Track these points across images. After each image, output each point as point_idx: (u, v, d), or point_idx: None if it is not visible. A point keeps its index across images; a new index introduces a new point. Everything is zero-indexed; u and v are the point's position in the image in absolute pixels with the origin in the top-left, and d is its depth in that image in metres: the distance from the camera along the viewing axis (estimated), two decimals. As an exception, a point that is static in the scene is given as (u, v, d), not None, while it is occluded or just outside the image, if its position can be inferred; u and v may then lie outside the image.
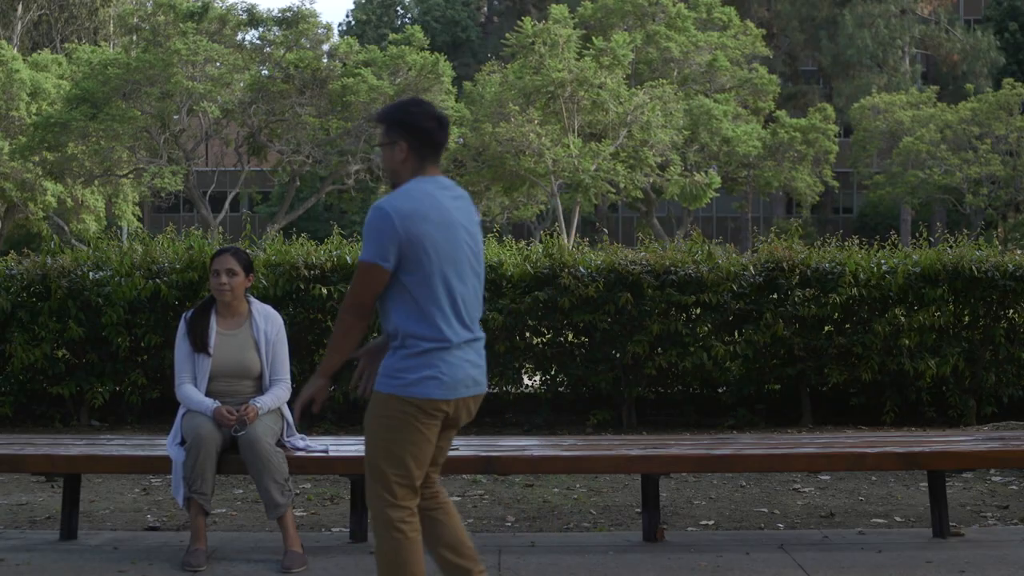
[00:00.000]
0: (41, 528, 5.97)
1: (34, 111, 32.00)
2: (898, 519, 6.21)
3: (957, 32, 46.96)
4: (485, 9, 58.18)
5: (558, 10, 32.18)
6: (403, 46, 33.24)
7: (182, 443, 5.15)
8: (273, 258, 9.08)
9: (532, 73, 31.17)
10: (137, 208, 37.64)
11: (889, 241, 11.46)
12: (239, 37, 33.99)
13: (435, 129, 3.88)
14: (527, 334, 9.32)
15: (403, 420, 3.79)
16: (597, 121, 31.50)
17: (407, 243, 3.73)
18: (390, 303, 3.80)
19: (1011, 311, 9.50)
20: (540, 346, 9.37)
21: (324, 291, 8.92)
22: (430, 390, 3.75)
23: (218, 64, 32.25)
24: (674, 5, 36.10)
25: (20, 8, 44.04)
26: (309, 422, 8.87)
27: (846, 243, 10.56)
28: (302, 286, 9.04)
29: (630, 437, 7.23)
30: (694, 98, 33.93)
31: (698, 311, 9.22)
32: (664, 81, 33.00)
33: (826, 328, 9.35)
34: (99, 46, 38.81)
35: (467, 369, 3.82)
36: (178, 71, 30.68)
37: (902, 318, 9.18)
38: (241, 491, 6.98)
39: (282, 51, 33.06)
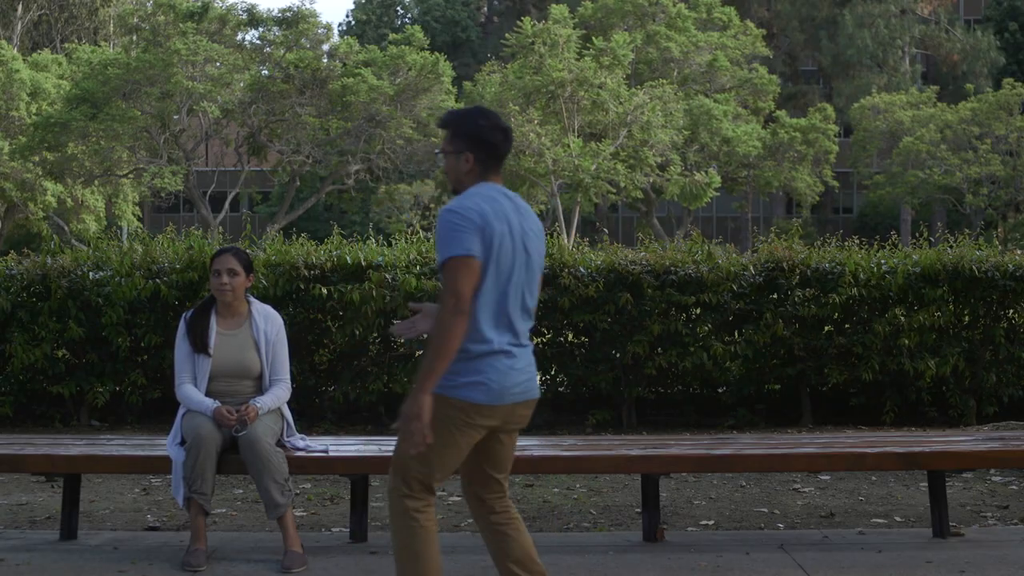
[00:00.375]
0: (41, 528, 5.97)
1: (34, 111, 32.01)
2: (898, 519, 6.21)
3: (957, 32, 46.96)
4: (485, 9, 58.19)
5: (558, 10, 32.18)
6: (403, 46, 33.25)
7: (182, 443, 5.14)
8: (273, 258, 9.08)
9: (532, 73, 31.18)
10: (137, 208, 37.65)
11: (889, 241, 11.46)
12: (239, 37, 34.01)
13: (501, 142, 3.91)
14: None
15: (443, 421, 3.74)
16: (597, 121, 31.51)
17: (485, 241, 3.73)
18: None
19: (1011, 311, 9.50)
20: (540, 346, 9.37)
21: (324, 291, 8.92)
22: (476, 395, 3.75)
23: (218, 64, 32.26)
24: (674, 5, 36.11)
25: (20, 8, 44.04)
26: (309, 422, 8.87)
27: (846, 243, 10.56)
28: (302, 286, 9.03)
29: (630, 437, 7.23)
30: (694, 98, 33.94)
31: (698, 311, 9.22)
32: (664, 81, 33.01)
33: (826, 328, 9.35)
34: (99, 46, 38.82)
35: (515, 376, 3.81)
36: (178, 71, 30.69)
37: (902, 318, 9.18)
38: (241, 491, 6.98)
39: (282, 51, 33.07)
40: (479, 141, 3.87)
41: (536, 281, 3.94)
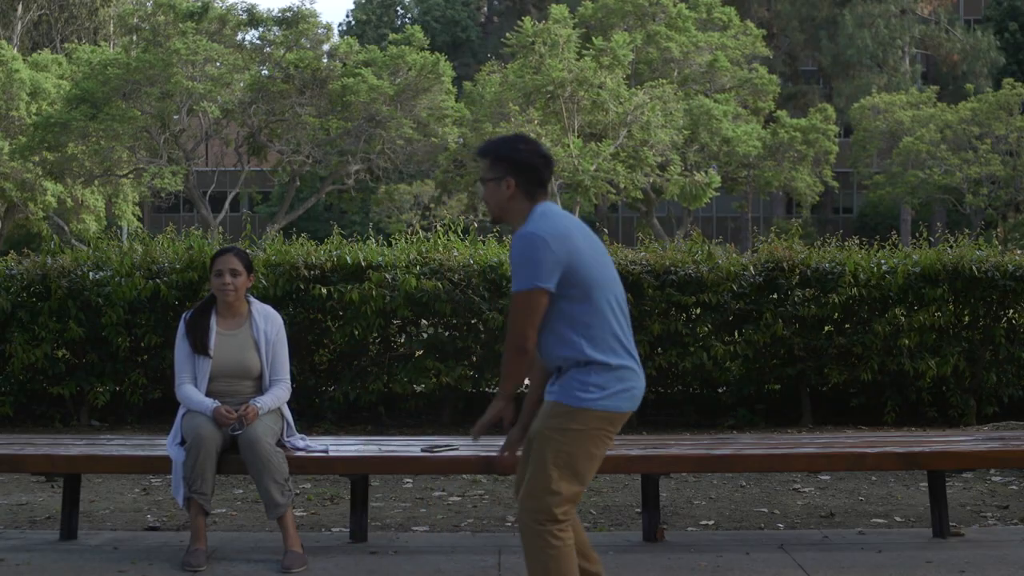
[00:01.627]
0: (41, 528, 5.97)
1: (34, 111, 32.00)
2: (898, 519, 6.21)
3: (957, 32, 46.96)
4: (485, 9, 58.18)
5: (558, 10, 32.18)
6: (403, 46, 33.24)
7: (182, 443, 5.15)
8: (273, 258, 9.08)
9: (532, 73, 31.17)
10: (137, 208, 37.64)
11: (889, 241, 11.46)
12: (239, 37, 33.99)
13: (542, 167, 3.92)
14: (527, 334, 9.30)
15: (594, 434, 3.81)
16: (597, 121, 31.50)
17: (567, 264, 3.74)
18: (554, 326, 3.79)
19: (1011, 311, 9.50)
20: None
21: (324, 291, 8.92)
22: (622, 403, 3.82)
23: (218, 64, 32.26)
24: (674, 5, 36.10)
25: (20, 8, 44.05)
26: (309, 422, 8.88)
27: (846, 243, 10.56)
28: (302, 286, 9.03)
29: (630, 437, 7.22)
30: (694, 98, 33.93)
31: (698, 311, 9.22)
32: (664, 81, 33.00)
33: (826, 328, 9.35)
34: (99, 46, 38.81)
35: (642, 380, 3.92)
36: (178, 71, 30.68)
37: (902, 318, 9.18)
38: (241, 491, 6.98)
39: (282, 51, 33.06)
40: (520, 165, 3.89)
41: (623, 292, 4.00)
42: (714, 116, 33.25)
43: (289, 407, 5.46)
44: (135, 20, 34.70)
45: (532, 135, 30.01)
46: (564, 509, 3.78)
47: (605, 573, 4.06)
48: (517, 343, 3.74)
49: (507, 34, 33.89)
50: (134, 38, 34.20)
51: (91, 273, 9.08)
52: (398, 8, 57.36)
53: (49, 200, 32.20)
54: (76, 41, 42.00)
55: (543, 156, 3.94)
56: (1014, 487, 7.06)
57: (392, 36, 36.20)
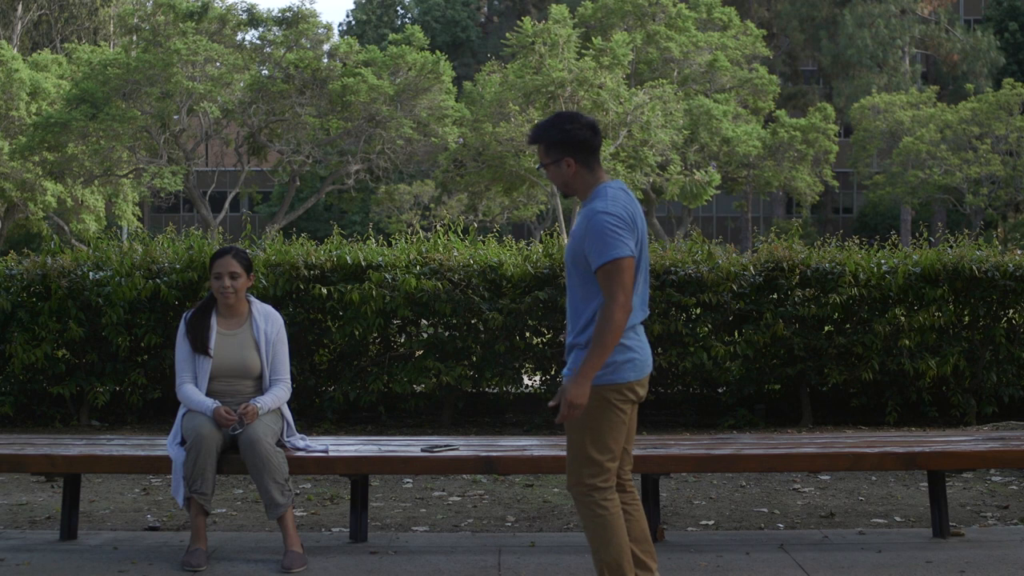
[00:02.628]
0: (41, 528, 5.97)
1: (34, 111, 32.01)
2: (898, 519, 6.21)
3: (957, 32, 46.96)
4: (485, 9, 58.18)
5: (558, 10, 32.18)
6: (403, 46, 33.24)
7: (182, 443, 5.14)
8: (273, 258, 9.08)
9: (532, 73, 31.18)
10: (137, 208, 37.66)
11: (889, 241, 11.45)
12: (239, 37, 34.00)
13: (592, 136, 4.14)
14: (527, 334, 9.31)
15: (607, 406, 4.06)
16: (597, 121, 31.48)
17: (637, 238, 4.03)
18: (591, 303, 4.04)
19: (1011, 311, 9.49)
20: (540, 346, 9.37)
21: (324, 291, 8.92)
22: (627, 374, 4.06)
23: (218, 64, 32.26)
24: (674, 5, 36.11)
25: (20, 8, 44.05)
26: (309, 422, 8.88)
27: (846, 243, 10.56)
28: (302, 286, 9.04)
29: (630, 437, 7.22)
30: (694, 98, 33.94)
31: (698, 311, 9.22)
32: (664, 81, 33.01)
33: (826, 328, 9.35)
34: (99, 46, 38.83)
35: (647, 348, 4.17)
36: (178, 71, 30.69)
37: (902, 318, 9.18)
38: (241, 491, 6.98)
39: (282, 51, 33.07)
40: (574, 144, 4.11)
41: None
42: (714, 116, 33.26)
43: (289, 407, 5.46)
44: (135, 20, 34.70)
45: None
46: (601, 478, 4.07)
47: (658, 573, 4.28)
48: (624, 304, 3.93)
49: (507, 34, 33.89)
50: (134, 38, 34.21)
51: (91, 273, 9.08)
52: (398, 8, 57.37)
53: (49, 200, 32.20)
54: (76, 41, 42.03)
55: (590, 126, 4.15)
56: (1014, 487, 7.06)
57: (392, 36, 36.20)
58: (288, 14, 33.39)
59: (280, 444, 5.28)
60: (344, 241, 9.69)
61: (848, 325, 9.33)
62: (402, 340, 9.40)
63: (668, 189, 32.94)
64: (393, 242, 9.83)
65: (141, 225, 36.28)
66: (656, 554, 4.30)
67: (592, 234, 3.97)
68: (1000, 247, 10.21)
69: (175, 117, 32.08)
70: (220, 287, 5.28)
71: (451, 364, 9.06)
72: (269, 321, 5.38)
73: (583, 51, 32.05)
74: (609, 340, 3.94)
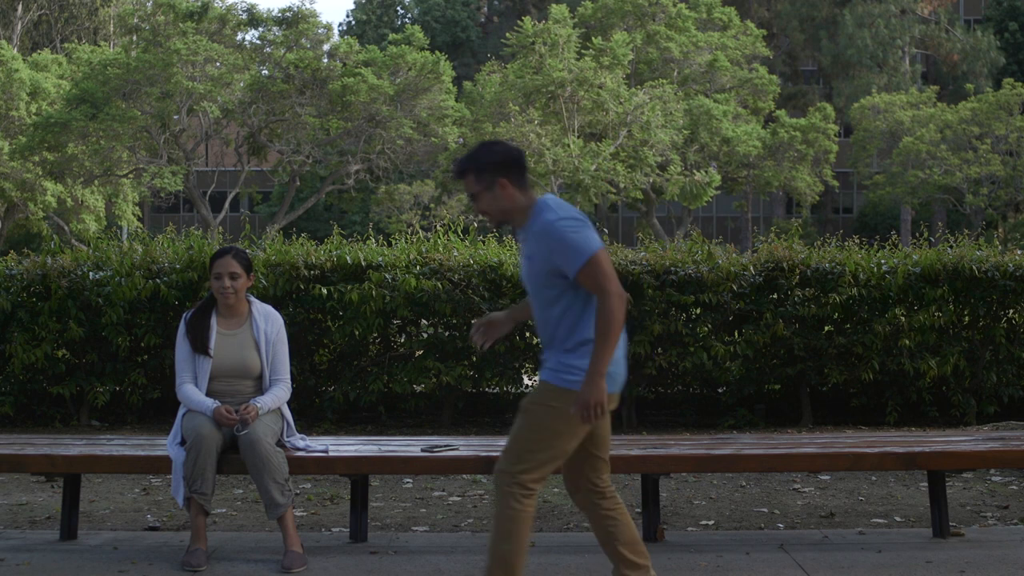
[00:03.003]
0: (41, 528, 5.97)
1: (34, 111, 32.01)
2: (898, 519, 6.21)
3: (957, 32, 46.96)
4: (485, 9, 58.18)
5: (558, 10, 32.19)
6: (403, 46, 33.25)
7: (182, 443, 5.14)
8: (273, 258, 9.08)
9: (532, 73, 31.19)
10: (137, 208, 37.65)
11: (889, 241, 11.46)
12: (239, 37, 34.01)
13: (521, 157, 4.12)
14: (527, 334, 9.31)
15: (572, 414, 3.97)
16: (597, 121, 31.51)
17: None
18: (571, 311, 4.02)
19: (1011, 311, 9.50)
20: (540, 346, 9.36)
21: (324, 291, 8.92)
22: (609, 386, 4.00)
23: (218, 64, 32.27)
24: (674, 5, 36.11)
25: (20, 8, 44.06)
26: (309, 422, 8.88)
27: (846, 243, 10.56)
28: (302, 286, 9.03)
29: (630, 437, 7.23)
30: (694, 98, 33.94)
31: (698, 311, 9.22)
32: (664, 81, 33.01)
33: (826, 328, 9.35)
34: (99, 46, 38.83)
35: (623, 363, 4.14)
36: (178, 71, 30.69)
37: (902, 318, 9.18)
38: (241, 491, 6.98)
39: (282, 51, 33.08)
40: (506, 164, 4.06)
41: None
42: (714, 116, 33.26)
43: (289, 407, 5.45)
44: (135, 20, 34.70)
45: (532, 135, 30.11)
46: (533, 477, 4.02)
47: (653, 570, 4.25)
48: (618, 290, 3.92)
49: (507, 34, 33.90)
50: (134, 38, 34.21)
51: (91, 273, 9.08)
52: (398, 8, 57.37)
53: (49, 200, 32.20)
54: (76, 41, 42.03)
55: (517, 150, 4.14)
56: (1014, 487, 7.06)
57: (392, 36, 36.20)
58: (288, 14, 33.39)
59: (280, 444, 5.28)
60: (344, 241, 9.69)
61: (848, 325, 9.33)
62: (402, 340, 9.40)
63: (668, 189, 32.93)
64: (393, 242, 9.83)
65: (141, 225, 36.27)
66: (648, 553, 4.27)
67: (557, 243, 3.93)
68: (1000, 247, 10.21)
69: (175, 117, 32.08)
70: (220, 287, 5.28)
71: (451, 364, 9.06)
72: (269, 321, 5.38)
73: (583, 51, 32.06)
74: (614, 332, 3.91)
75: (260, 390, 5.33)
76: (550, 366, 4.06)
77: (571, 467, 4.25)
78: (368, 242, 9.84)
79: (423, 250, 9.31)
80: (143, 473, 6.46)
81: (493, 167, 4.03)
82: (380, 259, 9.14)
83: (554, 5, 33.06)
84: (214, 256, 5.34)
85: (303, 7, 33.38)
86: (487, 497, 6.81)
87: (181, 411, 5.28)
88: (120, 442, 5.82)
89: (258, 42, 34.21)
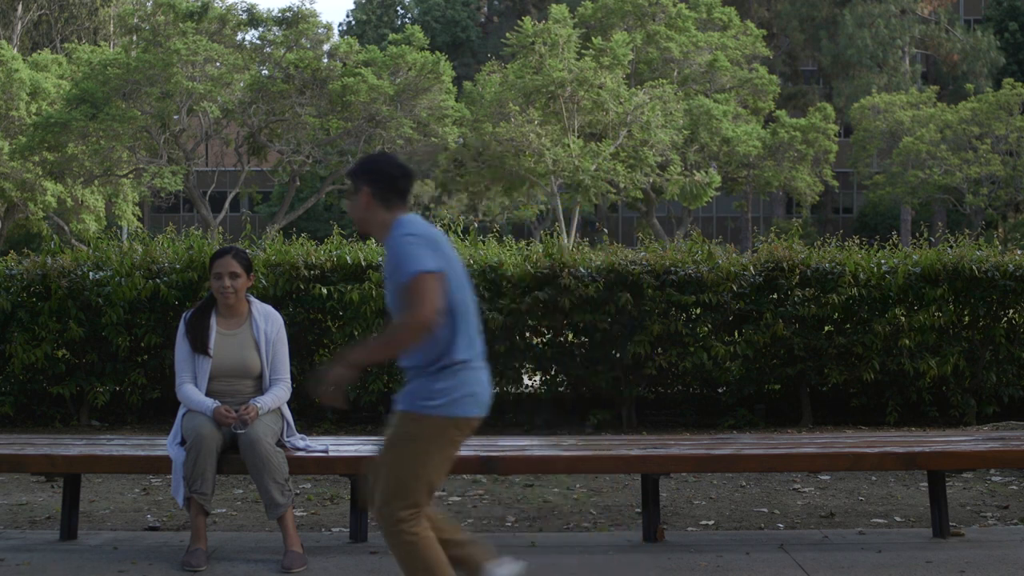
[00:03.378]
0: (41, 528, 5.97)
1: (34, 111, 32.00)
2: (898, 519, 6.21)
3: (957, 32, 46.96)
4: (485, 9, 58.18)
5: (558, 10, 32.19)
6: (403, 46, 33.25)
7: (182, 443, 5.14)
8: (273, 258, 9.08)
9: (532, 73, 31.18)
10: (137, 208, 37.65)
11: (889, 241, 11.46)
12: (239, 37, 34.00)
13: (398, 176, 3.98)
14: (527, 334, 9.32)
15: (440, 439, 3.88)
16: (597, 121, 31.51)
17: (443, 258, 3.88)
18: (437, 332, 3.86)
19: (1011, 311, 9.49)
20: (540, 346, 9.37)
21: (324, 291, 8.92)
22: (469, 408, 3.88)
23: (218, 64, 32.26)
24: (674, 5, 36.12)
25: (20, 8, 44.05)
26: (309, 422, 8.87)
27: (846, 243, 10.56)
28: (302, 286, 9.03)
29: (630, 437, 7.23)
30: (694, 98, 33.94)
31: (698, 311, 9.22)
32: (664, 81, 33.01)
33: (826, 328, 9.34)
34: (99, 46, 38.83)
35: (487, 385, 3.98)
36: (178, 71, 30.69)
37: (902, 318, 9.17)
38: (241, 491, 6.98)
39: (282, 51, 33.07)
40: (373, 175, 3.96)
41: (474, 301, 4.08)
42: (714, 116, 33.26)
43: (289, 407, 5.45)
44: (135, 20, 34.69)
45: (532, 135, 30.11)
46: (412, 511, 3.85)
47: (484, 553, 4.08)
48: (423, 321, 3.74)
49: (507, 34, 33.89)
50: (134, 38, 34.21)
51: (91, 273, 9.08)
52: (398, 8, 57.37)
53: (49, 200, 32.20)
54: (76, 41, 42.02)
55: (399, 167, 4.02)
56: (1014, 487, 7.06)
57: (392, 36, 36.19)
58: (288, 14, 33.39)
59: (280, 444, 5.28)
60: (344, 241, 9.69)
61: (848, 325, 9.33)
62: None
63: (668, 189, 32.94)
64: (393, 242, 9.81)
65: (141, 225, 36.26)
66: (486, 547, 4.10)
67: (396, 257, 3.83)
68: (1000, 247, 10.21)
69: (175, 117, 32.08)
70: (220, 287, 5.28)
71: (451, 364, 9.04)
72: (269, 321, 5.38)
73: (583, 51, 32.06)
74: (396, 343, 3.80)
75: (260, 390, 5.33)
76: (408, 390, 3.90)
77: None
78: (368, 242, 9.84)
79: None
80: (143, 473, 6.46)
81: (361, 175, 3.97)
82: (380, 259, 9.14)
83: (554, 5, 33.05)
84: (214, 256, 5.35)
85: (303, 7, 33.38)
86: (487, 497, 6.82)
87: (181, 411, 5.28)
88: (120, 442, 5.82)
89: (258, 42, 34.20)
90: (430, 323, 3.76)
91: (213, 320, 5.31)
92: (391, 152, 4.41)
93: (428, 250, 3.82)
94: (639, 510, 6.01)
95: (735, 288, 9.21)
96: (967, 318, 9.47)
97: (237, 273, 5.28)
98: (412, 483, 3.84)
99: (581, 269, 9.10)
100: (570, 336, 9.38)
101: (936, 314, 9.19)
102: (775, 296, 9.31)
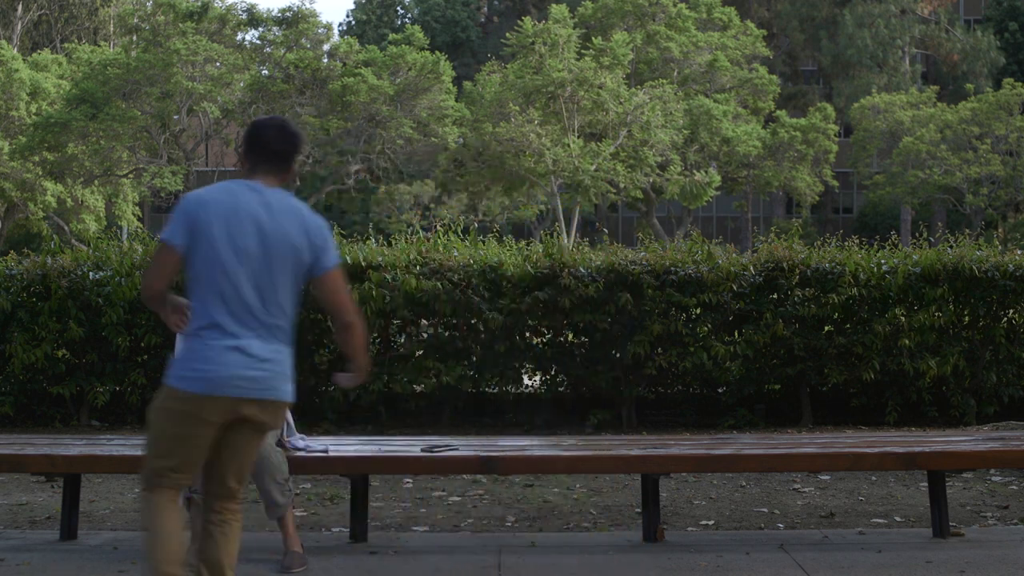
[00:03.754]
0: (41, 528, 5.97)
1: (34, 111, 32.00)
2: (898, 519, 6.21)
3: (957, 32, 46.96)
4: (485, 9, 58.17)
5: (558, 10, 32.18)
6: (403, 46, 33.25)
7: (182, 443, 5.14)
8: (273, 258, 9.06)
9: (532, 73, 31.18)
10: (137, 208, 37.63)
11: (889, 241, 11.46)
12: (239, 37, 34.01)
13: (272, 138, 3.90)
14: (527, 334, 9.32)
15: (168, 409, 3.79)
16: (597, 121, 31.51)
17: (194, 230, 3.73)
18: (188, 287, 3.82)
19: (1011, 311, 9.49)
20: (540, 346, 9.37)
21: (324, 291, 8.91)
22: (191, 385, 3.74)
23: (218, 64, 32.27)
24: (674, 5, 36.11)
25: (20, 8, 44.05)
26: (309, 422, 8.87)
27: (846, 243, 10.56)
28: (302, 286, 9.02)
29: (630, 437, 7.23)
30: (694, 98, 33.94)
31: (698, 311, 9.22)
32: (664, 81, 33.01)
33: (826, 328, 9.35)
34: (99, 46, 38.82)
35: (239, 369, 3.72)
36: (178, 71, 30.69)
37: (902, 318, 9.17)
38: (241, 491, 6.98)
39: (282, 51, 33.08)
40: (249, 140, 3.92)
41: (284, 277, 3.85)
42: (714, 116, 33.26)
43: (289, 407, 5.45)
44: (135, 20, 34.69)
45: (532, 135, 30.11)
46: (146, 475, 3.77)
47: None
48: (147, 287, 3.85)
49: (507, 34, 33.89)
50: (134, 38, 34.21)
51: (91, 273, 9.08)
52: (398, 8, 57.35)
53: (49, 200, 32.19)
54: (76, 41, 41.99)
55: (276, 127, 3.93)
56: (1014, 487, 7.06)
57: (392, 36, 36.20)
58: (288, 14, 33.39)
59: (280, 444, 5.28)
60: (344, 241, 9.69)
61: (848, 325, 9.33)
62: (402, 340, 9.40)
63: (668, 189, 32.94)
64: (393, 242, 9.83)
65: (141, 225, 36.22)
66: None
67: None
68: (1000, 247, 10.22)
69: (175, 117, 32.08)
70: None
71: (451, 364, 9.06)
72: (269, 321, 5.37)
73: (583, 51, 32.05)
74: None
75: (260, 390, 5.33)
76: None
77: (204, 474, 3.92)
78: (368, 242, 9.83)
79: (423, 250, 9.31)
80: (143, 473, 6.45)
81: (244, 140, 3.96)
82: (380, 259, 9.14)
83: (554, 5, 33.05)
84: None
85: (303, 7, 33.39)
86: (487, 497, 6.81)
87: (181, 411, 5.27)
88: (120, 442, 5.82)
89: (258, 42, 34.21)
90: (145, 293, 3.85)
91: (213, 320, 5.30)
92: (279, 117, 4.29)
93: (179, 220, 3.75)
94: (639, 510, 6.01)
95: (735, 288, 9.21)
96: (967, 318, 9.47)
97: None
98: (147, 443, 3.83)
99: (581, 269, 9.10)
100: (570, 336, 9.38)
101: (936, 314, 9.19)
102: (775, 296, 9.31)
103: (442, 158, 33.55)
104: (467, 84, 36.03)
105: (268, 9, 56.39)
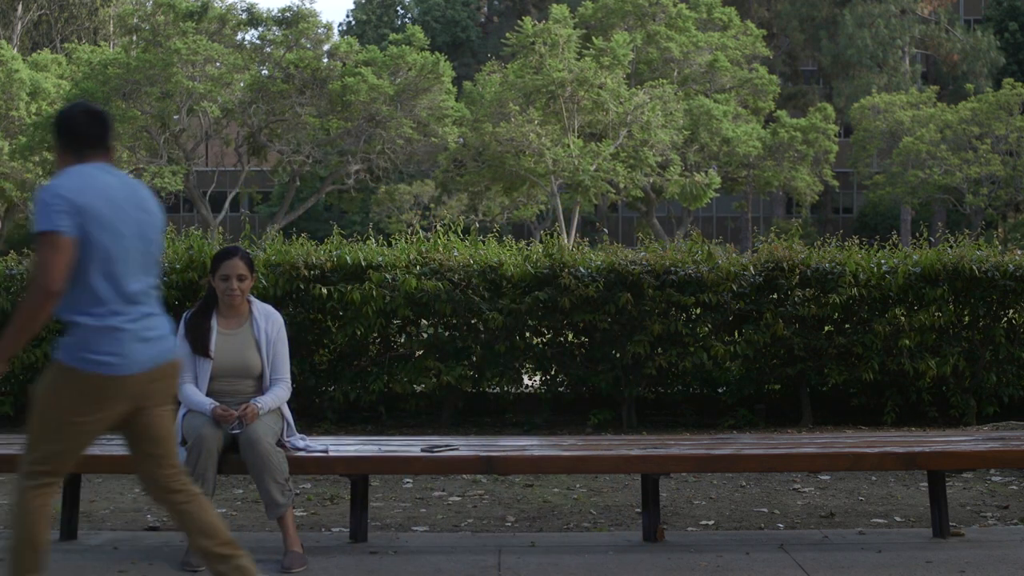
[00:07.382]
0: (41, 528, 5.96)
1: (34, 111, 32.02)
2: (898, 519, 6.21)
3: (957, 32, 46.97)
4: (485, 9, 58.18)
5: (558, 10, 32.20)
6: (403, 46, 33.26)
7: (183, 443, 5.14)
8: (273, 258, 9.07)
9: (532, 73, 31.20)
10: (137, 208, 37.60)
11: (889, 241, 11.46)
12: (239, 37, 34.03)
13: (85, 124, 3.88)
14: (527, 334, 9.31)
15: (75, 397, 3.83)
16: (597, 121, 31.53)
17: (81, 217, 3.69)
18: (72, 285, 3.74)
19: (1011, 311, 9.49)
20: (540, 346, 9.37)
21: (324, 291, 8.92)
22: (86, 365, 3.81)
23: (218, 64, 32.29)
24: (674, 5, 36.14)
25: (20, 8, 44.07)
26: (309, 422, 8.87)
27: (846, 243, 10.56)
28: (302, 286, 9.03)
29: (630, 437, 7.23)
30: (694, 98, 33.96)
31: (698, 311, 9.22)
32: (664, 81, 33.03)
33: (826, 328, 9.35)
34: (99, 46, 38.84)
35: (139, 348, 3.93)
36: (178, 71, 30.71)
37: (902, 318, 9.17)
38: (241, 491, 6.98)
39: (282, 51, 33.10)
40: (61, 127, 3.89)
41: (154, 245, 4.06)
42: (714, 116, 33.29)
43: (289, 407, 5.45)
44: (135, 20, 34.72)
45: (532, 135, 30.12)
46: (42, 467, 3.78)
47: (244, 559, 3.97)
48: (46, 285, 3.63)
49: (507, 34, 33.91)
50: (134, 38, 34.23)
51: (91, 273, 9.07)
52: (398, 8, 57.37)
53: (49, 200, 32.18)
54: (76, 41, 42.03)
55: (87, 112, 3.92)
56: (1014, 487, 7.06)
57: (392, 36, 36.23)
58: (288, 14, 33.42)
59: (280, 444, 5.27)
60: (344, 241, 9.69)
61: (848, 325, 9.33)
62: (402, 340, 9.40)
63: (668, 189, 32.96)
64: (393, 242, 9.83)
65: (141, 225, 36.21)
66: (234, 541, 3.98)
67: (35, 207, 3.72)
68: (1000, 247, 10.21)
69: (175, 117, 32.10)
70: (227, 288, 5.26)
71: (451, 364, 9.06)
72: (269, 321, 5.38)
73: (583, 51, 32.07)
74: (25, 323, 3.65)
75: (260, 390, 5.33)
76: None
77: (137, 468, 4.06)
78: (368, 242, 9.83)
79: (423, 250, 9.30)
80: (143, 473, 6.45)
81: (54, 129, 3.93)
82: (380, 259, 9.14)
83: (554, 5, 33.07)
84: (220, 257, 5.32)
85: (303, 7, 33.41)
86: (487, 497, 6.81)
87: (181, 411, 5.27)
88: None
89: (258, 42, 34.23)
90: (52, 293, 3.67)
91: (214, 321, 5.31)
92: (88, 103, 4.31)
93: (64, 208, 3.68)
94: (639, 510, 6.01)
95: (735, 288, 9.21)
96: (967, 318, 9.47)
97: (244, 275, 5.28)
98: (38, 429, 3.85)
99: (581, 269, 9.10)
100: (570, 336, 9.39)
101: (936, 314, 9.19)
102: (775, 296, 9.31)
103: (442, 158, 33.56)
104: (467, 84, 36.06)
105: (268, 9, 56.43)
